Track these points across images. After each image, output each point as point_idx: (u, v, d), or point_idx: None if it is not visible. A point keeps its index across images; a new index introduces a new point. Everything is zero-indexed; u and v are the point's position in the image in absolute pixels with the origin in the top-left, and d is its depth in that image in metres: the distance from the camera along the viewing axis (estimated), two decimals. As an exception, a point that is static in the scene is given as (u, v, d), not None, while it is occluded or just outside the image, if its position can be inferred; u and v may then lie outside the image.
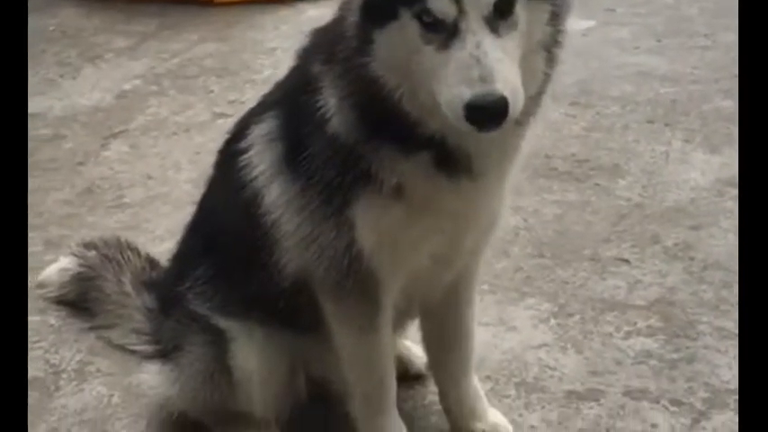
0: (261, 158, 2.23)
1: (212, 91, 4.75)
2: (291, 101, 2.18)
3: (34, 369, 2.85)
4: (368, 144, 2.03)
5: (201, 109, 4.54)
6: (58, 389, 2.78)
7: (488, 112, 1.80)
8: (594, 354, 2.85)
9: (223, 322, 2.39)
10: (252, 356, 2.37)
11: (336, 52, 2.03)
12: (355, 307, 2.22)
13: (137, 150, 4.18)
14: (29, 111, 4.56)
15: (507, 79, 1.82)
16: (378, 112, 1.99)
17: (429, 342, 2.54)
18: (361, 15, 1.95)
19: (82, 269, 3.05)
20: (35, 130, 4.39)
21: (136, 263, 2.99)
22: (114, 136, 4.32)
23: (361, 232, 2.10)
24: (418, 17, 1.86)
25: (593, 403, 2.66)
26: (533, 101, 2.03)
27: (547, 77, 2.04)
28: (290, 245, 2.21)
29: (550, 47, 2.01)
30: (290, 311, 2.32)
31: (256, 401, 2.41)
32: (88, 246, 3.10)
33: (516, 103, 1.84)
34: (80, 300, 3.05)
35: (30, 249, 3.42)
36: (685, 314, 2.99)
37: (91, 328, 2.99)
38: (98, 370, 2.85)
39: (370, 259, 2.13)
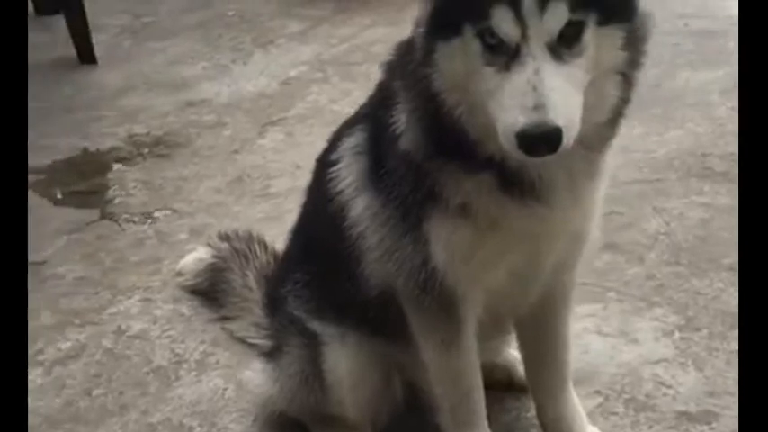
0: (348, 171, 2.25)
1: (373, 79, 4.77)
2: (375, 115, 2.19)
3: (159, 358, 2.98)
4: (433, 161, 2.02)
5: (359, 97, 4.51)
6: (177, 378, 2.88)
7: (540, 142, 1.76)
8: (716, 372, 2.71)
9: (317, 326, 2.43)
10: (343, 361, 2.39)
11: (406, 64, 2.02)
12: (437, 320, 2.21)
13: (291, 139, 4.27)
14: (198, 96, 4.78)
15: (563, 109, 1.77)
16: (440, 129, 1.97)
17: (525, 354, 2.50)
18: (427, 26, 1.94)
19: (214, 260, 3.16)
20: (200, 116, 4.58)
21: (262, 257, 3.07)
22: (272, 123, 4.43)
23: (435, 249, 2.09)
24: (481, 36, 1.83)
25: (704, 426, 2.53)
26: (608, 125, 1.99)
27: (623, 101, 1.98)
28: (373, 258, 2.22)
29: (627, 71, 1.94)
30: (379, 320, 2.33)
31: (348, 406, 2.43)
32: (222, 237, 3.21)
33: (571, 134, 1.79)
34: (211, 290, 3.16)
35: (176, 237, 3.60)
36: (823, 334, 2.80)
37: (216, 319, 3.09)
38: (217, 362, 2.94)
39: (445, 275, 2.11)
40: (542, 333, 2.41)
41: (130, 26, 5.81)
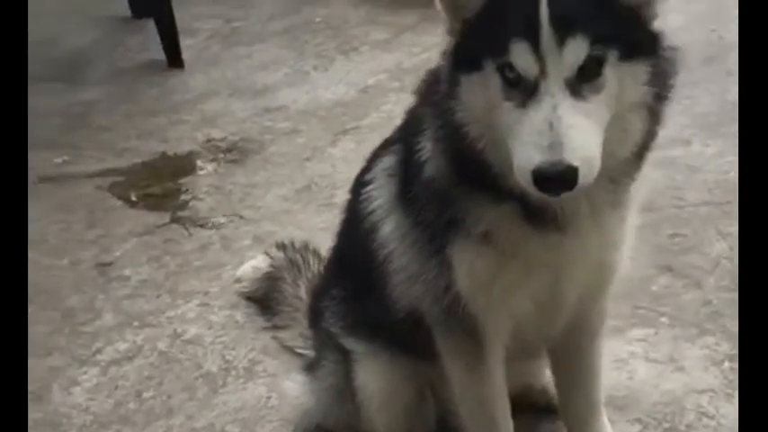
0: (380, 192, 2.29)
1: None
2: (405, 139, 2.21)
3: (210, 363, 3.05)
4: (457, 189, 2.04)
5: (433, 108, 4.58)
6: (224, 385, 2.95)
7: (555, 181, 1.77)
8: (762, 406, 2.65)
9: (350, 343, 2.46)
10: (373, 379, 2.42)
11: (433, 94, 2.04)
12: (462, 344, 2.23)
13: (361, 148, 4.26)
14: (276, 103, 4.85)
15: (579, 147, 1.76)
16: (464, 159, 1.99)
17: (556, 380, 2.50)
18: (451, 59, 1.95)
19: (270, 269, 3.22)
20: (275, 123, 4.64)
21: (315, 268, 3.12)
22: (345, 132, 4.46)
23: (458, 274, 2.11)
24: (501, 71, 1.84)
25: (742, 461, 2.48)
26: (633, 158, 1.97)
27: (649, 134, 1.96)
28: (400, 279, 2.25)
29: (653, 105, 1.92)
30: (409, 340, 2.35)
31: (378, 424, 2.45)
32: (279, 246, 3.27)
33: (589, 171, 1.79)
34: (266, 299, 3.22)
35: (239, 243, 3.66)
36: None
37: (268, 328, 3.15)
38: (264, 370, 2.99)
39: (467, 302, 2.13)
40: (573, 361, 2.40)
41: (220, 31, 5.91)
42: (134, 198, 4.08)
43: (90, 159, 4.46)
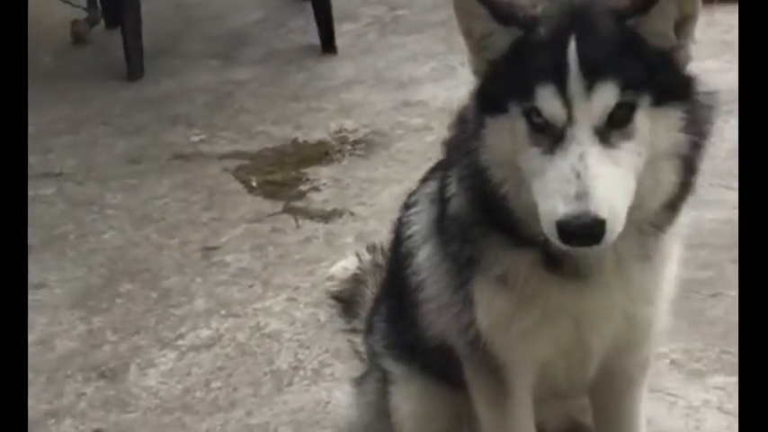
0: (420, 218, 2.26)
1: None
2: (443, 169, 2.16)
3: (282, 360, 3.07)
4: (477, 230, 1.99)
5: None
6: (290, 384, 2.96)
7: (580, 234, 1.69)
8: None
9: (388, 364, 2.44)
10: (407, 403, 2.39)
11: (462, 132, 1.99)
12: (486, 379, 2.17)
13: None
14: (415, 97, 4.81)
15: (607, 199, 1.68)
16: (486, 201, 1.93)
17: (594, 422, 2.38)
18: (476, 101, 1.90)
19: (357, 271, 3.22)
20: (409, 118, 4.60)
21: (397, 274, 3.08)
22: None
23: (478, 312, 2.05)
24: (527, 115, 1.76)
25: None
26: (665, 210, 1.86)
27: (684, 186, 1.84)
28: (429, 308, 2.21)
29: (688, 154, 1.79)
30: (443, 366, 2.31)
31: (411, 447, 2.42)
32: (369, 249, 3.26)
33: (615, 224, 1.70)
34: (349, 300, 3.22)
35: (342, 240, 3.67)
36: None
37: (346, 330, 3.14)
38: (331, 374, 2.99)
39: (487, 342, 2.06)
40: (609, 409, 2.30)
41: (382, 18, 5.90)
42: (254, 184, 4.14)
43: (223, 140, 4.56)
